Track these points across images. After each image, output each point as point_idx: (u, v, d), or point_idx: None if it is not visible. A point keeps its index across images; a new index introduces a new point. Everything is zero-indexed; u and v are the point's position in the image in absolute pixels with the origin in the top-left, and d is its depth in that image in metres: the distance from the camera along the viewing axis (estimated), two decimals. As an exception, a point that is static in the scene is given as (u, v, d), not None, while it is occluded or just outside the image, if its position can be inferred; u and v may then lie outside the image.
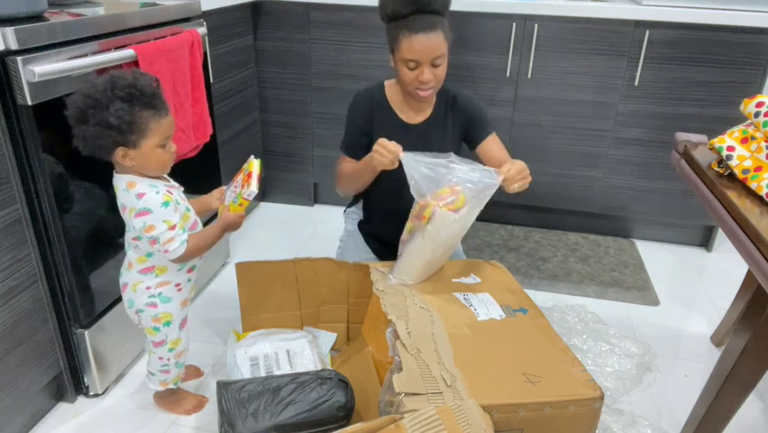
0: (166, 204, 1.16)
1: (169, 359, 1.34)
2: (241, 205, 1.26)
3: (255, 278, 1.51)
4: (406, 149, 1.33)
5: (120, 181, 1.17)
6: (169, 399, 1.44)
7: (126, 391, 1.51)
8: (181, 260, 1.22)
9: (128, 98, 1.08)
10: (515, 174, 1.30)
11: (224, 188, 1.38)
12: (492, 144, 1.54)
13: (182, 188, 1.27)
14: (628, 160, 2.23)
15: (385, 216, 1.61)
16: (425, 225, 1.30)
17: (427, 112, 1.55)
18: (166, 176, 1.27)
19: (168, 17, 1.58)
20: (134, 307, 1.28)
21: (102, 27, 1.34)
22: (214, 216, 1.36)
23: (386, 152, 1.32)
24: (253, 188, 1.25)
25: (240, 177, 1.32)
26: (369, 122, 1.53)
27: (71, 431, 1.39)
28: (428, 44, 1.37)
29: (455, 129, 1.56)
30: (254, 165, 1.31)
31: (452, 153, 1.32)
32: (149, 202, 1.14)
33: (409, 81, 1.42)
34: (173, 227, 1.16)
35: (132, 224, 1.17)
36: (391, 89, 1.55)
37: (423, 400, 1.01)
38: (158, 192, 1.16)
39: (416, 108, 1.54)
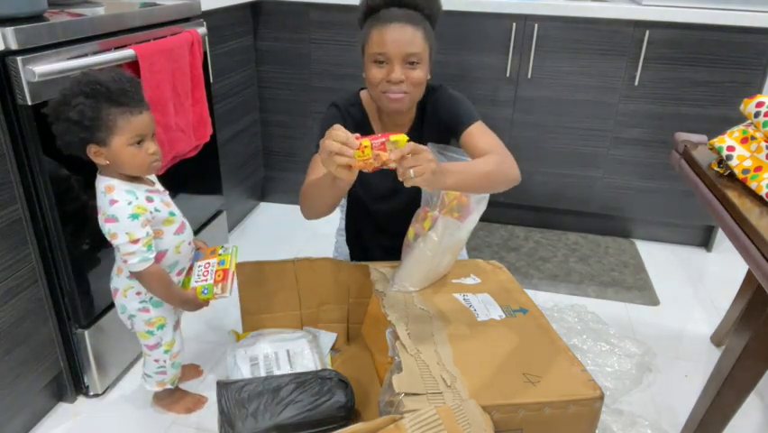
0: (134, 216, 1.14)
1: (165, 361, 1.34)
2: (208, 298, 1.27)
3: (255, 278, 1.51)
4: (387, 169, 1.04)
5: (100, 183, 1.17)
6: (169, 398, 1.44)
7: (126, 391, 1.51)
8: (139, 278, 1.20)
9: (92, 94, 1.07)
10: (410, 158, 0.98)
11: (201, 244, 1.38)
12: (470, 136, 1.28)
13: (167, 192, 1.26)
14: (628, 160, 2.22)
15: (375, 226, 1.54)
16: (427, 232, 1.28)
17: (407, 126, 1.37)
18: (152, 179, 1.25)
19: (168, 17, 1.58)
20: (127, 312, 1.28)
21: (102, 27, 1.34)
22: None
23: (336, 141, 0.95)
24: (227, 292, 1.25)
25: (213, 260, 1.30)
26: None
27: (71, 431, 1.39)
28: (401, 37, 1.17)
29: (434, 139, 1.33)
30: (231, 260, 1.28)
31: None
32: (118, 211, 1.14)
33: (376, 81, 1.21)
34: (135, 241, 1.15)
35: (102, 228, 1.16)
36: (368, 101, 1.38)
37: (423, 401, 1.01)
38: (130, 203, 1.15)
39: (394, 123, 1.36)
